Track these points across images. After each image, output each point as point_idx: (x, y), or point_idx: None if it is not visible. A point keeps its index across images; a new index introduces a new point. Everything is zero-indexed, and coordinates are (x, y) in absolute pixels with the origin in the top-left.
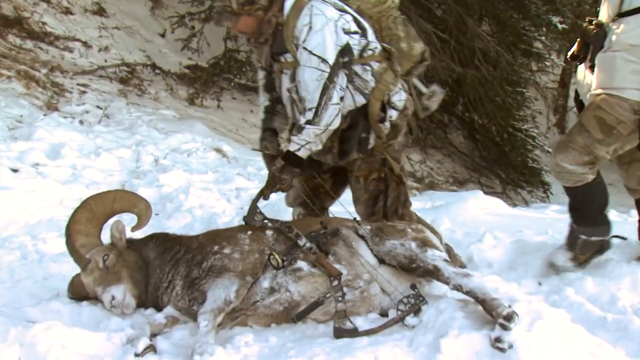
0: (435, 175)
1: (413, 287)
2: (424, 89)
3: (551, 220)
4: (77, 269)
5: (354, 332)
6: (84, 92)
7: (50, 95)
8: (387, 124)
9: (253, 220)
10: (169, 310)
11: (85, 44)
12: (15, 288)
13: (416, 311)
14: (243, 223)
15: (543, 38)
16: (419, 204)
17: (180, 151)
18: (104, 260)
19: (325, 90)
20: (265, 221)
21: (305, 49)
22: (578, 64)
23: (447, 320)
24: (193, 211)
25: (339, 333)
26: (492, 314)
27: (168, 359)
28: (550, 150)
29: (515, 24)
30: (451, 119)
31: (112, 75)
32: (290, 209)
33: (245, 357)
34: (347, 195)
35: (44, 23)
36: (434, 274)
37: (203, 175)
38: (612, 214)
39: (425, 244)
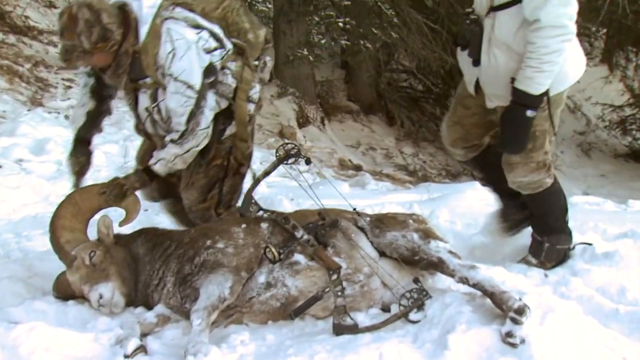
0: (428, 169)
1: (416, 280)
2: (254, 62)
3: None
4: (62, 267)
5: (354, 329)
6: (69, 87)
7: (34, 91)
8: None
9: (248, 211)
10: (160, 308)
11: None
12: None
13: (420, 306)
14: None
15: None
16: (415, 196)
17: None
18: (90, 257)
19: (192, 116)
20: (261, 212)
21: (170, 75)
22: (461, 50)
23: (454, 315)
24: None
25: (339, 329)
26: (502, 308)
27: None
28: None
29: None
30: (443, 111)
31: None
32: (281, 201)
33: (242, 356)
34: (345, 188)
35: (27, 17)
36: (438, 266)
37: None
38: (610, 205)
39: (428, 235)
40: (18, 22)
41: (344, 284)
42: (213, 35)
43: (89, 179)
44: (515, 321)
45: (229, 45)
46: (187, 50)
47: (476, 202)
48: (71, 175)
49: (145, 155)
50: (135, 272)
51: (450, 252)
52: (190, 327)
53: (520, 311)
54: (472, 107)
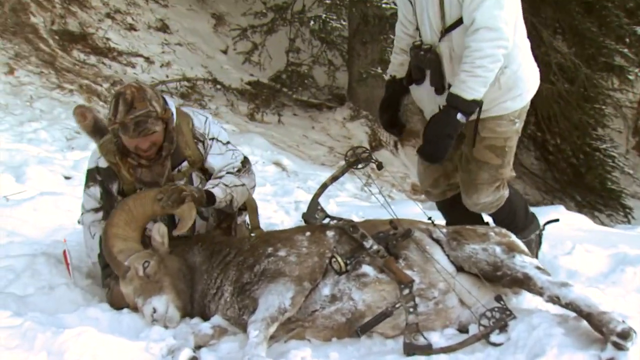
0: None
1: (498, 298)
2: None
3: None
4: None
5: (427, 349)
6: None
7: None
8: None
9: (313, 218)
10: (217, 319)
11: (147, 59)
12: (53, 295)
13: (502, 327)
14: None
15: (626, 51)
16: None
17: None
18: (144, 268)
19: (245, 162)
20: (327, 219)
21: (213, 139)
22: (417, 84)
23: (543, 338)
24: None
25: (410, 349)
26: (601, 331)
27: None
28: (630, 172)
29: (595, 35)
30: (522, 139)
31: (173, 90)
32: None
33: None
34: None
35: (108, 39)
36: (524, 283)
37: (261, 188)
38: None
39: (512, 249)
40: (99, 44)
41: (417, 300)
42: None
43: None
44: (618, 346)
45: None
46: (213, 121)
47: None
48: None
49: None
50: (192, 283)
51: (538, 267)
52: (247, 339)
53: (625, 335)
54: (507, 143)
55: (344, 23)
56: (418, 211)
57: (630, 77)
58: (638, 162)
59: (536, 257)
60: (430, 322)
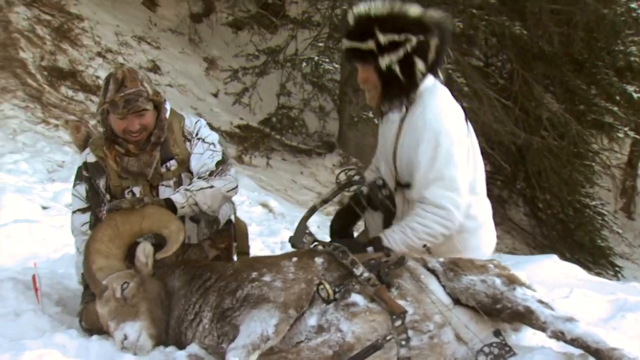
0: (494, 252)
1: (497, 333)
2: None
3: None
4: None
5: None
6: None
7: None
8: None
9: (301, 242)
10: (193, 348)
11: None
12: (18, 321)
13: None
14: None
15: (615, 109)
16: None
17: None
18: (122, 290)
19: (220, 163)
20: (316, 244)
21: (200, 139)
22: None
23: None
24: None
25: None
26: None
27: None
28: (619, 231)
29: (585, 93)
30: (511, 195)
31: None
32: None
33: None
34: None
35: (97, 77)
36: (525, 317)
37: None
38: None
39: (512, 281)
40: (88, 81)
41: (410, 332)
42: None
43: None
44: None
45: None
46: (205, 125)
47: (556, 272)
48: None
49: None
50: (169, 308)
51: (541, 301)
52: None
53: None
54: None
55: (336, 66)
56: None
57: (620, 135)
58: (626, 223)
59: None
60: (423, 357)
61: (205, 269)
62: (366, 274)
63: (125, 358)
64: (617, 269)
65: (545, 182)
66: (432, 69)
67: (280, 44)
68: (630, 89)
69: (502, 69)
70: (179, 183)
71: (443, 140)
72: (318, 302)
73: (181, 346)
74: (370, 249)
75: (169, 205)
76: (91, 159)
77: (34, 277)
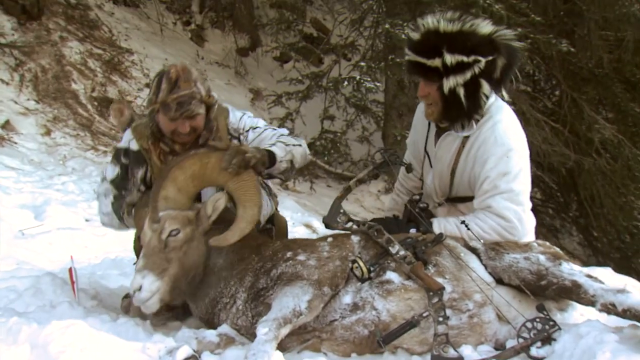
0: None
1: (540, 308)
2: None
3: None
4: None
5: None
6: None
7: None
8: None
9: (335, 221)
10: (224, 328)
11: None
12: (54, 312)
13: (544, 339)
14: None
15: None
16: None
17: None
18: (169, 234)
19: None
20: (350, 223)
21: (247, 130)
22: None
23: (593, 346)
24: None
25: None
26: None
27: None
28: None
29: (638, 114)
30: (564, 224)
31: None
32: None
33: None
34: None
35: (145, 107)
36: (572, 292)
37: None
38: None
39: (558, 257)
40: (137, 112)
41: (448, 311)
42: None
43: None
44: None
45: None
46: (250, 114)
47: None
48: None
49: None
50: (203, 285)
51: (589, 275)
52: (255, 337)
53: None
54: None
55: (378, 84)
56: None
57: None
58: None
59: None
60: (463, 337)
61: (253, 250)
62: (402, 252)
63: (154, 337)
64: None
65: (598, 208)
66: (496, 88)
67: (323, 70)
68: None
69: (551, 94)
70: None
71: (514, 156)
72: (353, 280)
73: (213, 327)
74: (413, 230)
75: (270, 156)
76: (134, 146)
77: (70, 269)
